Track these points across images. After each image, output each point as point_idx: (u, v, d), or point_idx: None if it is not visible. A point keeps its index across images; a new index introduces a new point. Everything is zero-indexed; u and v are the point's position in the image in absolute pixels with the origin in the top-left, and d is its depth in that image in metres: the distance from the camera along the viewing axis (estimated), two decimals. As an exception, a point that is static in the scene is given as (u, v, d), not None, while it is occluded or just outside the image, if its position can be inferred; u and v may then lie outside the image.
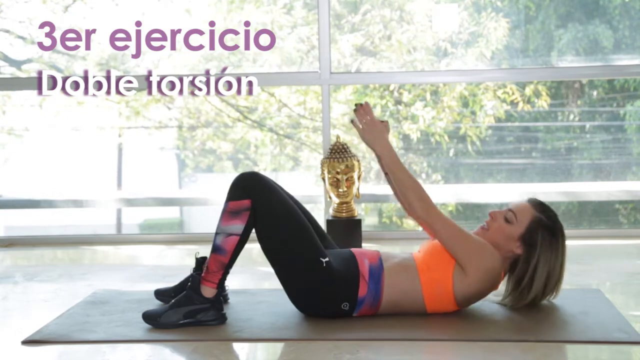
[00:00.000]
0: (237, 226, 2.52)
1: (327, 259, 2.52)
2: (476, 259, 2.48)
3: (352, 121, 2.63)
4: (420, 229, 2.75)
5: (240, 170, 5.99)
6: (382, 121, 2.62)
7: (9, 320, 2.80)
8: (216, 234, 2.54)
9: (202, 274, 2.54)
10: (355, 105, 2.61)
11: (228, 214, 2.53)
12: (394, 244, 4.03)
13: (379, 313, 2.57)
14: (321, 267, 2.50)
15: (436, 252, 2.55)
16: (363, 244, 3.75)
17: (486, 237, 2.56)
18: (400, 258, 2.60)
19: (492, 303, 2.69)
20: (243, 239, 2.53)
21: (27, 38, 5.60)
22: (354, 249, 2.66)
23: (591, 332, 2.41)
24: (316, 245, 2.53)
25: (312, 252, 2.52)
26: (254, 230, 2.56)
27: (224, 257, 2.52)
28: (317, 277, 2.51)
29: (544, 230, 2.54)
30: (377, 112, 5.72)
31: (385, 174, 2.70)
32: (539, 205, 2.59)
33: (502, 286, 2.65)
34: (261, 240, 2.57)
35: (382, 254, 2.61)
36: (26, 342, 2.43)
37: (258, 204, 2.52)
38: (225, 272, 2.55)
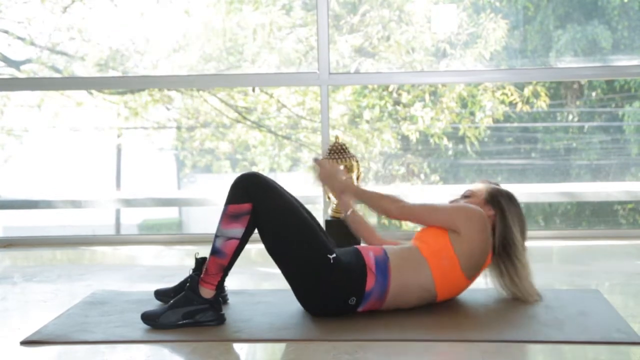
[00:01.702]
0: (237, 230, 2.52)
1: (334, 255, 2.53)
2: (459, 216, 2.63)
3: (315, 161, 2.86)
4: (419, 228, 2.80)
5: (239, 171, 5.99)
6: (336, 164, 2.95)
7: (7, 320, 2.79)
8: (216, 236, 2.54)
9: (201, 276, 2.54)
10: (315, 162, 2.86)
11: (228, 217, 2.53)
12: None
13: (384, 308, 2.58)
14: (328, 263, 2.52)
15: (429, 230, 2.69)
16: (362, 244, 3.75)
17: None
18: (403, 246, 2.71)
19: (494, 303, 2.69)
20: (243, 243, 2.54)
21: (25, 39, 5.60)
22: (357, 245, 2.70)
23: (590, 333, 2.41)
24: (322, 241, 2.54)
25: (318, 249, 2.52)
26: (255, 231, 2.56)
27: (223, 260, 2.52)
28: (325, 273, 2.52)
29: (500, 193, 2.76)
30: (376, 113, 5.72)
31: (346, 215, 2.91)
32: (487, 180, 2.86)
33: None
34: (265, 241, 2.57)
35: (386, 247, 2.68)
36: (25, 343, 2.43)
37: (260, 205, 2.52)
38: (224, 275, 2.55)
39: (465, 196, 2.79)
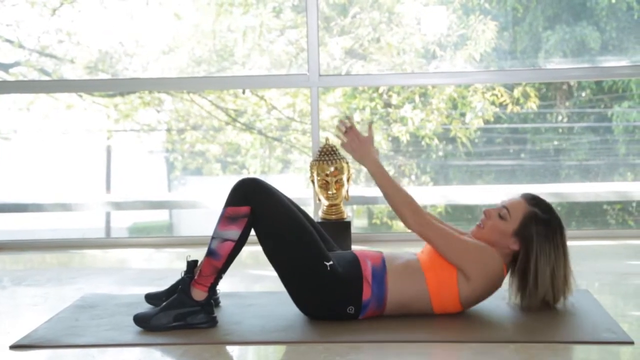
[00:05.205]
0: (234, 232, 2.51)
1: (331, 263, 2.52)
2: (476, 264, 2.49)
3: (339, 129, 2.66)
4: (410, 230, 2.75)
5: (230, 173, 5.99)
6: (367, 133, 2.63)
7: (-3, 324, 2.78)
8: (212, 238, 2.54)
9: (195, 277, 2.54)
10: (339, 123, 2.64)
11: (225, 219, 2.53)
12: (384, 246, 4.03)
13: (385, 314, 2.57)
14: (325, 271, 2.50)
15: (439, 257, 2.55)
16: (352, 246, 3.75)
17: (482, 235, 2.58)
18: (404, 259, 2.59)
19: (485, 304, 2.69)
20: (238, 246, 2.53)
21: (14, 41, 5.58)
22: (356, 251, 2.66)
23: (580, 333, 2.42)
24: (320, 249, 2.53)
25: (316, 256, 2.52)
26: (252, 234, 2.56)
27: (217, 261, 2.52)
28: (321, 281, 2.51)
29: (538, 223, 2.52)
30: (367, 114, 5.72)
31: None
32: (532, 199, 2.58)
33: (506, 284, 2.66)
34: (263, 245, 2.56)
35: (385, 255, 2.61)
36: (14, 347, 2.42)
37: (259, 210, 2.52)
38: (218, 277, 2.54)
39: (501, 217, 2.55)
